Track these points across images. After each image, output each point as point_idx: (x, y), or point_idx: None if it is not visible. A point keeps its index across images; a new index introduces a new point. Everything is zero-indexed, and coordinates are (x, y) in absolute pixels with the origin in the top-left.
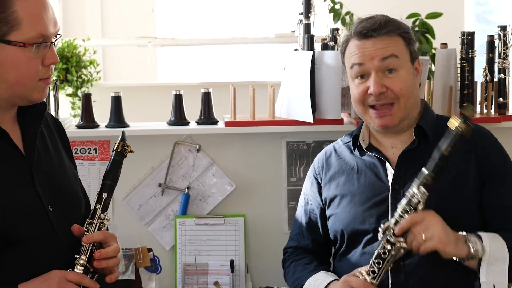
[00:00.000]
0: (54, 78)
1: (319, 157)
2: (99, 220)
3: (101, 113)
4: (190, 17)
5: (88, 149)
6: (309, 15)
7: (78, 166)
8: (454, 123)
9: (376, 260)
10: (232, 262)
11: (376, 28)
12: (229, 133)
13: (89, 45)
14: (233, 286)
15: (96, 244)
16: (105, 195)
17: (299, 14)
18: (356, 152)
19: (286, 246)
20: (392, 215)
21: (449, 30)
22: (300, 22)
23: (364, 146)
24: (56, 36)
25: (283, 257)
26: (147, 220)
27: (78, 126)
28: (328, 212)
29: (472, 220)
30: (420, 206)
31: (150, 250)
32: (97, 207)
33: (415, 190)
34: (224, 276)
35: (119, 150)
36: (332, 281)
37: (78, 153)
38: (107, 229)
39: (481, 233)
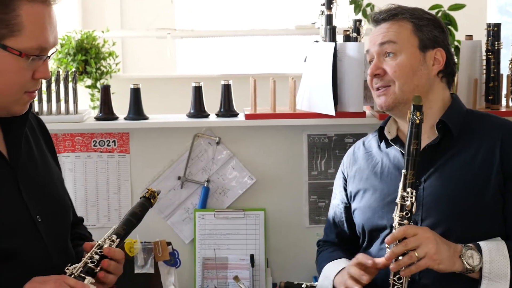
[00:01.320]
0: (73, 69)
1: (349, 151)
2: (108, 240)
3: (120, 105)
4: (210, 8)
5: (107, 141)
6: (331, 6)
7: (97, 159)
8: (408, 116)
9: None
10: (252, 256)
11: (383, 12)
12: (249, 126)
13: (108, 36)
14: (253, 281)
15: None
16: (116, 226)
17: (321, 5)
18: (383, 145)
19: (319, 239)
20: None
21: (472, 22)
22: (322, 13)
23: (390, 138)
24: (56, 48)
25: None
26: (166, 213)
27: (97, 118)
28: (353, 207)
29: (493, 217)
30: (414, 207)
31: (169, 243)
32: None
33: (404, 193)
34: (244, 270)
35: (147, 197)
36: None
37: (97, 145)
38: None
39: (484, 246)
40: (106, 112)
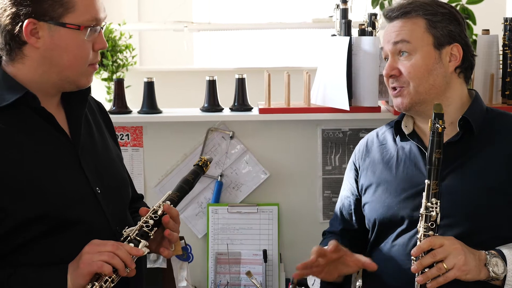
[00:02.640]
0: None
1: (361, 142)
2: (158, 207)
3: (137, 97)
4: (227, 1)
5: (120, 135)
6: (346, 0)
7: None
8: (429, 124)
9: None
10: (265, 251)
11: (395, 9)
12: (263, 120)
13: (125, 29)
14: (265, 276)
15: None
16: (171, 192)
17: None
18: (398, 139)
19: (325, 230)
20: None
21: (491, 16)
22: (337, 7)
23: (406, 133)
24: (105, 22)
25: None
26: (179, 208)
27: (111, 112)
28: (363, 200)
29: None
30: (439, 218)
31: (182, 238)
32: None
33: (428, 204)
34: (256, 265)
35: (200, 164)
36: None
37: None
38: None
39: (508, 253)
40: (120, 105)
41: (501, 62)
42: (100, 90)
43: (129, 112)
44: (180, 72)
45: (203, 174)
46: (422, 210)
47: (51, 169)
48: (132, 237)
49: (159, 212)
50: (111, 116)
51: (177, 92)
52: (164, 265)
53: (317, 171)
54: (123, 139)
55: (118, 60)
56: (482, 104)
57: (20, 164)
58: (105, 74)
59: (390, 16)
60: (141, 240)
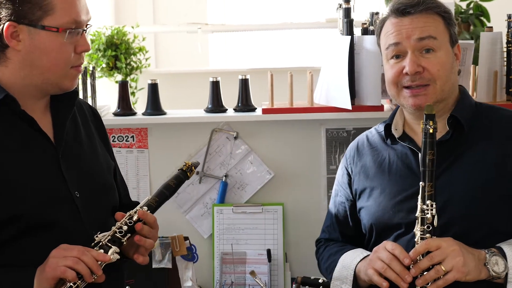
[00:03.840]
0: (91, 66)
1: (351, 146)
2: (134, 213)
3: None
4: (242, 2)
5: (125, 136)
6: None
7: (116, 154)
8: (421, 126)
9: None
10: (269, 251)
11: (415, 4)
12: (267, 120)
13: (139, 32)
14: (270, 276)
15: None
16: (150, 196)
17: None
18: (389, 142)
19: (318, 238)
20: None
21: (505, 13)
22: (340, 7)
23: (397, 136)
24: (88, 25)
25: (315, 249)
26: (185, 208)
27: (115, 114)
28: (358, 205)
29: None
30: (435, 220)
31: (186, 238)
32: (141, 203)
33: (424, 206)
34: (262, 265)
35: (184, 169)
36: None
37: (115, 141)
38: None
39: (508, 250)
40: (124, 107)
41: (505, 59)
42: (114, 93)
43: (134, 113)
44: (195, 73)
45: (187, 179)
46: (418, 213)
47: (28, 171)
48: (103, 242)
49: (135, 218)
50: (116, 118)
51: (193, 93)
52: (170, 265)
53: (321, 170)
54: (128, 141)
55: (131, 63)
56: (471, 99)
57: None
58: (119, 77)
59: (404, 10)
60: (112, 246)
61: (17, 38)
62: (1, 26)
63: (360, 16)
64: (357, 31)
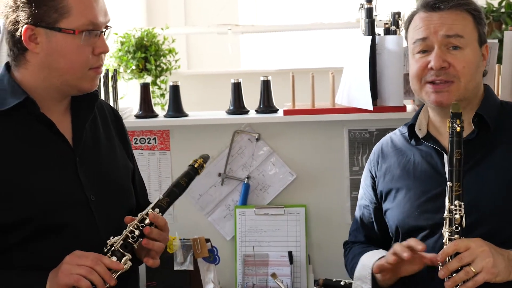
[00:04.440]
0: (114, 69)
1: (375, 149)
2: (145, 214)
3: (184, 100)
4: (273, 3)
5: (147, 138)
6: None
7: (138, 156)
8: (447, 125)
9: None
10: (290, 253)
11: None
12: (289, 122)
13: (169, 33)
14: (293, 278)
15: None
16: (161, 196)
17: None
18: (413, 142)
19: (345, 241)
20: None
21: None
22: (362, 7)
23: (420, 136)
24: (107, 26)
25: (343, 252)
26: (208, 210)
27: (137, 116)
28: (384, 207)
29: None
30: (463, 220)
31: (208, 240)
32: (150, 204)
33: (452, 207)
34: (284, 267)
35: (195, 166)
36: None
37: (138, 143)
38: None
39: None
40: (146, 110)
41: None
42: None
43: (156, 116)
44: (226, 74)
45: (198, 175)
46: (446, 214)
47: (43, 174)
48: (116, 248)
49: (147, 221)
50: (138, 120)
51: (223, 94)
52: (191, 268)
53: (344, 171)
54: (150, 143)
55: (161, 64)
56: (496, 98)
57: (9, 167)
58: (149, 79)
59: (438, 6)
60: (125, 254)
61: (35, 41)
62: (20, 29)
63: (383, 16)
64: (380, 31)
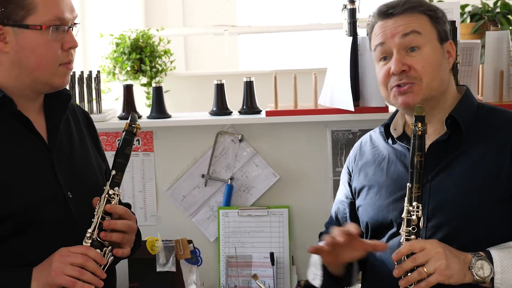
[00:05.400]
0: (96, 70)
1: (355, 145)
2: (107, 195)
3: (179, 102)
4: (270, 4)
5: None
6: (354, 0)
7: None
8: (410, 127)
9: None
10: (272, 254)
11: (396, 5)
12: (272, 123)
13: (166, 34)
14: (276, 279)
15: (107, 218)
16: (113, 172)
17: None
18: (390, 141)
19: (320, 232)
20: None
21: None
22: (345, 7)
23: (395, 136)
24: (75, 23)
25: None
26: (191, 211)
27: (120, 118)
28: (357, 203)
29: (502, 219)
30: (421, 222)
31: (190, 242)
32: (107, 183)
33: (410, 208)
34: (267, 268)
35: (127, 129)
36: None
37: None
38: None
39: (495, 255)
40: (129, 111)
41: (511, 58)
42: (140, 96)
43: (139, 117)
44: (223, 75)
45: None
46: (404, 214)
47: (21, 170)
48: (95, 238)
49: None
50: (121, 121)
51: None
52: (174, 269)
53: (327, 172)
54: (134, 144)
55: (157, 66)
56: (473, 100)
57: None
58: (144, 80)
59: (391, 13)
60: (104, 244)
61: (4, 41)
62: None
63: (365, 17)
64: (364, 32)
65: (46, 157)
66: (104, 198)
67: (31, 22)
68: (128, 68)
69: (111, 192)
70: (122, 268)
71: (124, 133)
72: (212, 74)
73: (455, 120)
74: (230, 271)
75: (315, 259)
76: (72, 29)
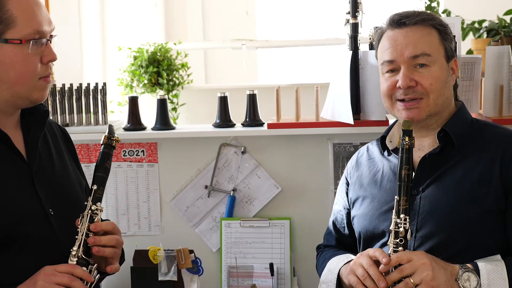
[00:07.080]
0: (102, 82)
1: (353, 157)
2: (90, 211)
3: (194, 115)
4: (290, 18)
5: (136, 151)
6: (356, 14)
7: (127, 168)
8: (398, 141)
9: None
10: (271, 265)
11: (410, 15)
12: (274, 135)
13: (184, 48)
14: None
15: (91, 234)
16: (94, 187)
17: (346, 13)
18: (386, 154)
19: (319, 244)
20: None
21: None
22: (348, 22)
23: (391, 148)
24: (52, 35)
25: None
26: (194, 222)
27: (125, 129)
28: (352, 213)
29: (490, 231)
30: (408, 234)
31: (191, 251)
32: (88, 199)
33: (397, 220)
34: (268, 279)
35: (106, 142)
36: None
37: (126, 155)
38: (101, 220)
39: (482, 267)
40: (134, 122)
41: None
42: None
43: (144, 128)
44: (242, 89)
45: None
46: (391, 226)
47: (2, 188)
48: (80, 255)
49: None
50: (126, 132)
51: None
52: (175, 278)
53: (329, 185)
54: (139, 155)
55: (174, 79)
56: (467, 115)
57: None
58: (161, 93)
59: (403, 22)
60: (90, 262)
61: None
62: None
63: (366, 32)
64: (366, 46)
65: (25, 173)
66: (88, 214)
67: (10, 37)
68: (145, 81)
69: (93, 207)
70: (125, 276)
71: (102, 146)
72: (230, 88)
73: (447, 134)
74: (231, 281)
75: (329, 278)
76: (51, 42)
